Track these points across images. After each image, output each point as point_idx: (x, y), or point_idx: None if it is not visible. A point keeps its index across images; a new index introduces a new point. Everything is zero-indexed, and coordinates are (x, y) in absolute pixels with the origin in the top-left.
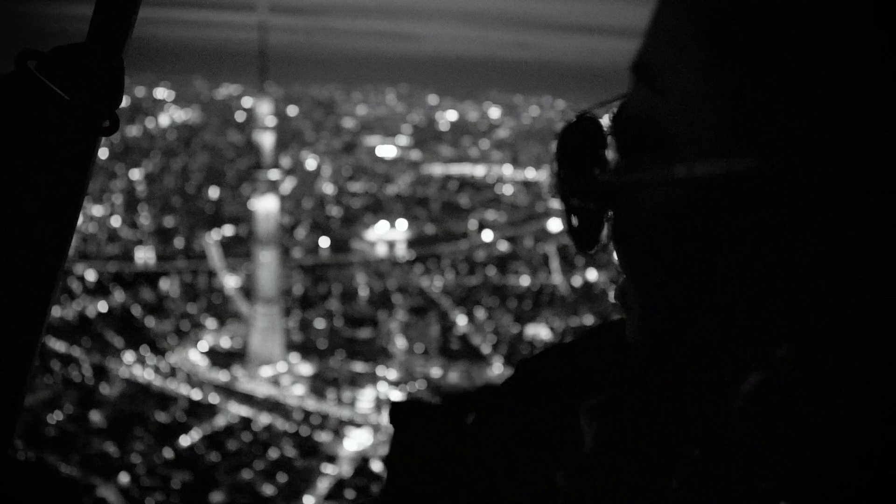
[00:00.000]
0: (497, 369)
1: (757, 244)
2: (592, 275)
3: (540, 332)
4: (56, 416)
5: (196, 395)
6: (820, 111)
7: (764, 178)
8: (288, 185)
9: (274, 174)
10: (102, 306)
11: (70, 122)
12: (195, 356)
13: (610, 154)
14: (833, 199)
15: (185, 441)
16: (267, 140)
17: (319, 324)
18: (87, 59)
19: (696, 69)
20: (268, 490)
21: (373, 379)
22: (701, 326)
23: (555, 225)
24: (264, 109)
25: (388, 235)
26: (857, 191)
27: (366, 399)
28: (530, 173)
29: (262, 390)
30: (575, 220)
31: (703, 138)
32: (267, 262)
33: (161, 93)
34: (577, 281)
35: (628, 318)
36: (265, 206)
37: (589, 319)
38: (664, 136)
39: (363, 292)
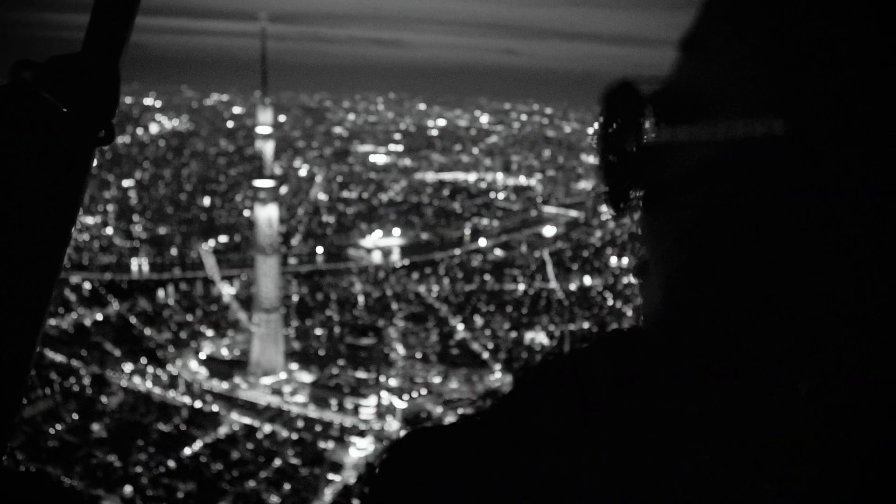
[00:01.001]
0: (497, 375)
1: (782, 217)
2: (587, 280)
3: (538, 337)
4: (57, 428)
5: (198, 404)
6: (844, 87)
7: (795, 145)
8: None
9: (274, 182)
10: (100, 316)
11: (66, 133)
12: (195, 365)
13: (648, 124)
14: (871, 176)
15: (188, 451)
16: (268, 149)
17: (319, 332)
18: (83, 69)
19: (740, 41)
20: (273, 499)
21: (374, 387)
22: (717, 302)
23: (548, 231)
24: (266, 118)
25: (383, 242)
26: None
27: (368, 406)
28: (522, 179)
29: (264, 399)
30: (611, 178)
31: (741, 104)
32: (268, 270)
33: (149, 102)
34: (573, 286)
35: (646, 293)
36: (266, 214)
37: (586, 325)
38: (704, 101)
39: (361, 300)
